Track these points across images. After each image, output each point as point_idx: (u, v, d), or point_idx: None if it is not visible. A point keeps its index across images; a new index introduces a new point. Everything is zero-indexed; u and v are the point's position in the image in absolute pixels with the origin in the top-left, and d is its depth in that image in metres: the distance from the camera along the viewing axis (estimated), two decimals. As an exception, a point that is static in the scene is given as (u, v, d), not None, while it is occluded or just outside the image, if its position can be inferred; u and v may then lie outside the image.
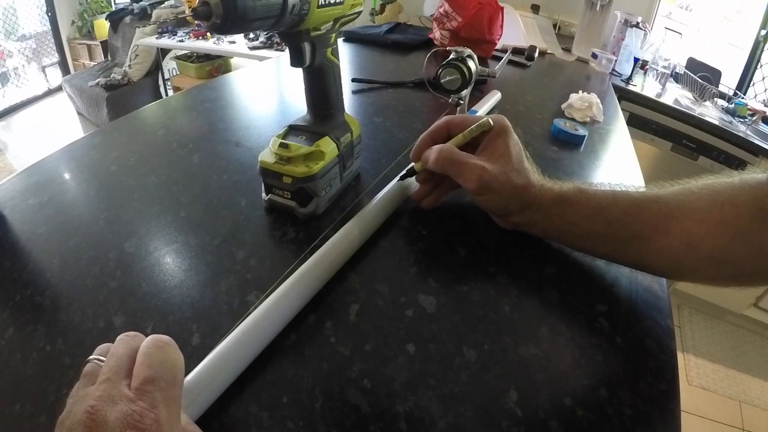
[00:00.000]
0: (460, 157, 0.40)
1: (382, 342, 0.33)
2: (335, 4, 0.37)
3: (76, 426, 0.19)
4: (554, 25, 1.62)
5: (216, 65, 3.11)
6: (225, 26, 0.28)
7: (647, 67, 1.60)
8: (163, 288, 0.36)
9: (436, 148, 0.41)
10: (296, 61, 0.40)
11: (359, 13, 0.43)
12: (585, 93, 0.81)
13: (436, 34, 1.16)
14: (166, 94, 3.13)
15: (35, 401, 0.28)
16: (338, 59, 0.44)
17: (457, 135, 0.42)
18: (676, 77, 1.65)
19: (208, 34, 2.82)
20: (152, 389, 0.21)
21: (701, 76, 1.57)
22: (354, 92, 0.82)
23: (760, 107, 1.56)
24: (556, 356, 0.33)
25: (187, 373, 0.26)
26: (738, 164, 1.42)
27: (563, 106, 0.80)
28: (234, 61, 3.20)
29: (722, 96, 1.62)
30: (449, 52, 0.79)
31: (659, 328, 0.36)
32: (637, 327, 0.36)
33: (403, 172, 0.46)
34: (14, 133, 3.33)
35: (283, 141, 0.42)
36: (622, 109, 0.99)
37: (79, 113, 3.34)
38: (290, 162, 0.41)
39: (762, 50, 1.64)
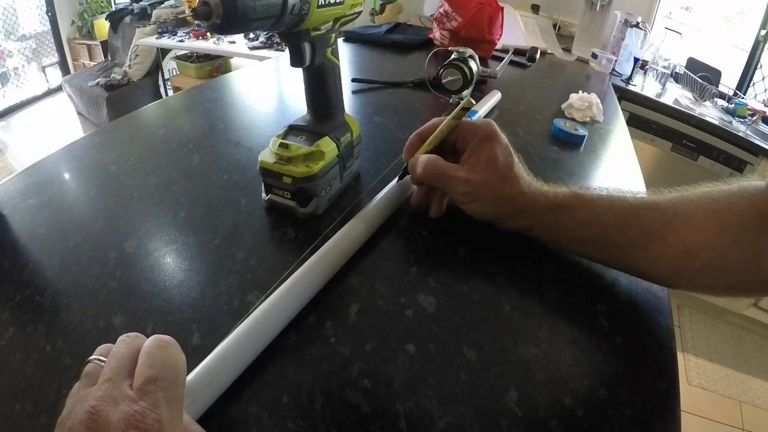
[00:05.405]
0: (444, 169, 0.40)
1: (382, 342, 0.33)
2: (335, 4, 0.37)
3: (77, 426, 0.19)
4: (554, 25, 1.62)
5: (216, 65, 3.11)
6: (225, 26, 0.28)
7: (647, 67, 1.60)
8: (163, 288, 0.36)
9: (421, 159, 0.41)
10: (296, 61, 0.40)
11: (359, 13, 0.43)
12: (585, 93, 0.81)
13: (436, 34, 1.16)
14: (166, 94, 3.13)
15: (35, 401, 0.28)
16: (338, 59, 0.44)
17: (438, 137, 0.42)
18: (676, 77, 1.65)
19: (208, 34, 2.81)
20: (154, 389, 0.20)
21: (701, 76, 1.57)
22: (354, 92, 0.82)
23: (760, 107, 1.56)
24: (556, 356, 0.33)
25: (187, 373, 0.26)
26: (738, 164, 1.42)
27: (563, 106, 0.80)
28: (234, 61, 3.20)
29: (722, 96, 1.63)
30: (450, 52, 0.80)
31: (659, 328, 0.36)
32: (637, 327, 0.36)
33: (401, 171, 0.46)
34: (14, 133, 3.33)
35: (283, 141, 0.42)
36: (622, 109, 0.99)
37: (79, 113, 3.34)
38: (290, 162, 0.41)
39: (762, 50, 1.64)
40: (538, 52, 1.21)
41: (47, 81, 3.87)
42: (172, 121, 0.70)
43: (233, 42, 2.78)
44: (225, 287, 0.37)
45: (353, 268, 0.39)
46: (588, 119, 0.78)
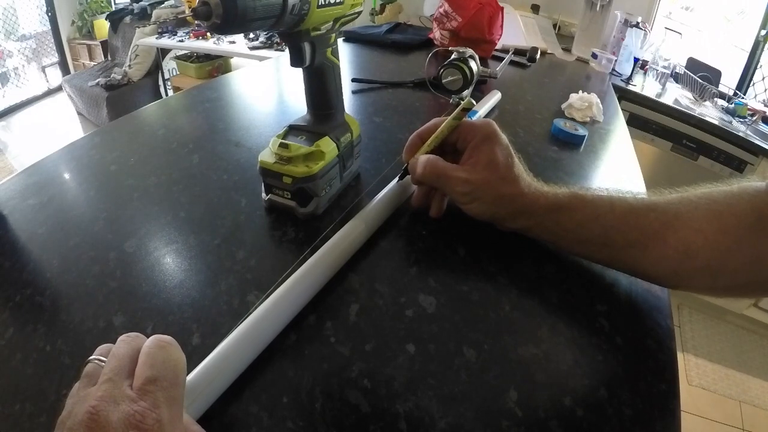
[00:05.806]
0: (444, 169, 0.40)
1: (382, 342, 0.33)
2: (335, 4, 0.37)
3: (77, 426, 0.19)
4: (554, 25, 1.62)
5: (216, 65, 3.11)
6: (225, 26, 0.28)
7: (647, 67, 1.60)
8: (163, 288, 0.36)
9: (421, 160, 0.41)
10: (296, 61, 0.40)
11: (359, 13, 0.43)
12: (585, 93, 0.81)
13: (436, 34, 1.16)
14: (166, 94, 3.13)
15: (35, 401, 0.28)
16: (338, 59, 0.44)
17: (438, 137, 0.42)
18: (676, 77, 1.65)
19: (208, 34, 2.81)
20: (154, 389, 0.21)
21: (701, 76, 1.57)
22: (354, 92, 0.82)
23: (760, 107, 1.56)
24: (556, 356, 0.33)
25: (187, 373, 0.26)
26: (738, 164, 1.42)
27: (563, 106, 0.80)
28: (234, 61, 3.20)
29: (722, 96, 1.63)
30: (451, 52, 0.80)
31: (659, 328, 0.36)
32: (637, 327, 0.36)
33: (401, 172, 0.46)
34: (14, 133, 3.33)
35: (283, 141, 0.42)
36: (622, 109, 0.99)
37: (79, 113, 3.34)
38: (290, 162, 0.41)
39: (762, 50, 1.64)
40: (538, 52, 1.21)
41: (47, 81, 3.87)
42: (172, 121, 0.70)
43: (233, 42, 2.78)
44: (225, 287, 0.37)
45: (353, 268, 0.39)
46: (588, 119, 0.78)
